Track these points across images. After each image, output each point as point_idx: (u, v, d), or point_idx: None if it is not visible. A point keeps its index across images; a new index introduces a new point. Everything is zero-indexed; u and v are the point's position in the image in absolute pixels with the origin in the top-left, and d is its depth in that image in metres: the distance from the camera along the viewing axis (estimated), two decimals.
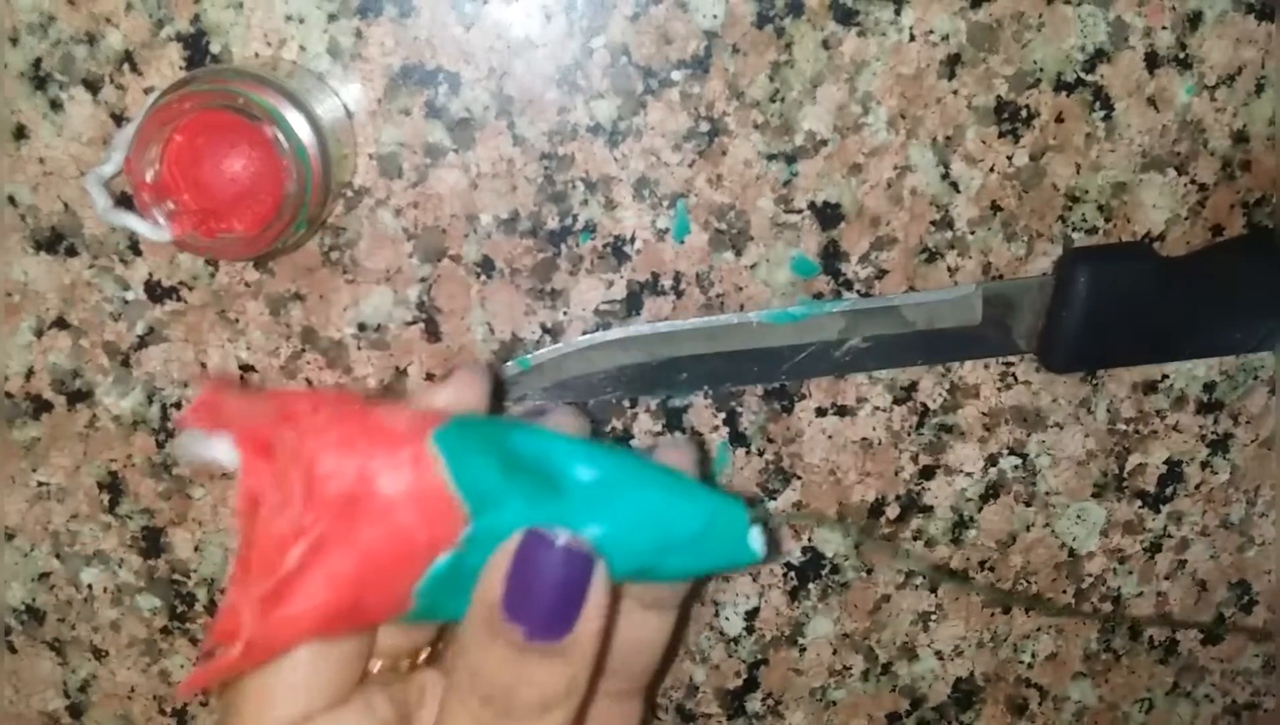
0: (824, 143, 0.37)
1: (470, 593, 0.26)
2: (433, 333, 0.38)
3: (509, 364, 0.38)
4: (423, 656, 0.30)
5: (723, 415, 0.39)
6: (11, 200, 0.36)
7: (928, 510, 0.41)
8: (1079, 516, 0.42)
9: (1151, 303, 0.37)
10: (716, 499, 0.27)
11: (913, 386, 0.40)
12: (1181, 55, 0.37)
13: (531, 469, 0.26)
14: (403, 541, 0.25)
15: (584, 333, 0.38)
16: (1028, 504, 0.42)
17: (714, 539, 0.27)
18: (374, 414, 0.26)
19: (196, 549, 0.40)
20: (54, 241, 0.37)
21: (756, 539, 0.27)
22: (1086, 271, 0.37)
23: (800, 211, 0.37)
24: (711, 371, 0.38)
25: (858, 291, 0.38)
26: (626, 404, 0.39)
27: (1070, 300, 0.37)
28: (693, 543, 0.27)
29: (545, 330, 0.38)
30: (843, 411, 0.40)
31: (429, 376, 0.38)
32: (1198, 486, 0.42)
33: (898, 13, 0.35)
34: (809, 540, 0.41)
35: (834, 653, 0.43)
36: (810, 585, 0.42)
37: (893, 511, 0.41)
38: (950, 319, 0.38)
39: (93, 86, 0.35)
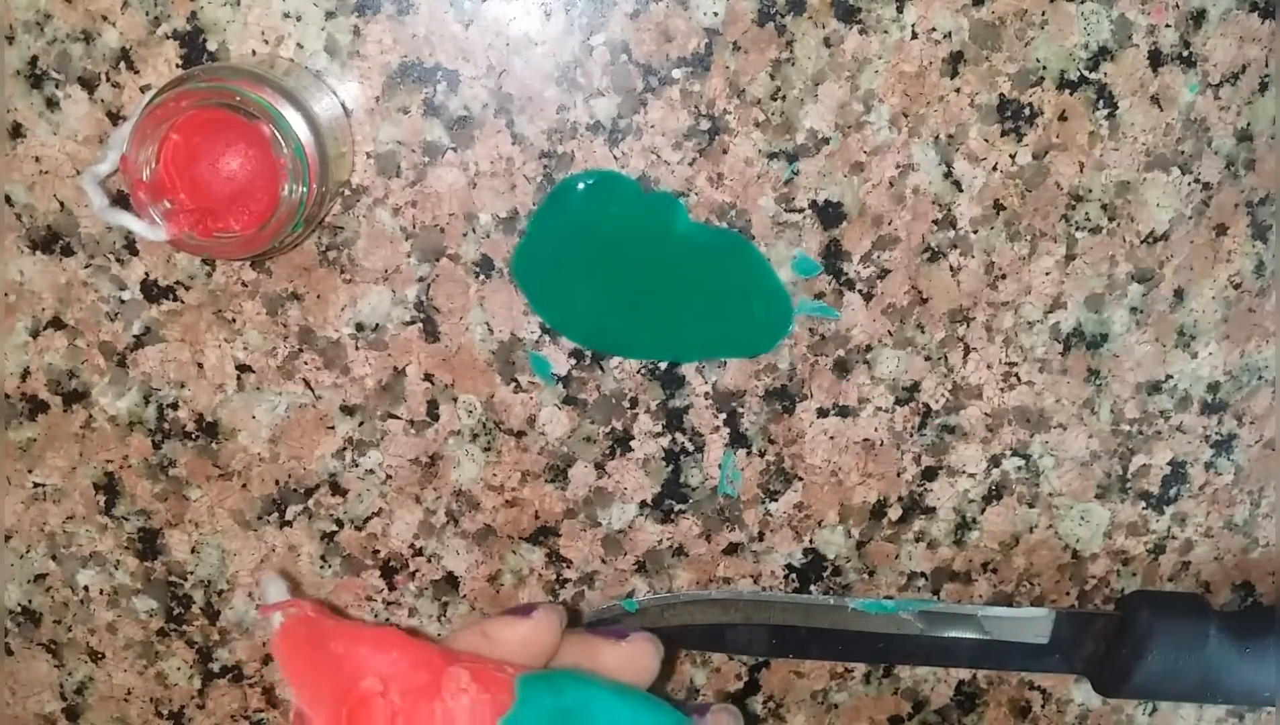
0: (825, 141, 0.36)
1: None
2: (431, 332, 0.38)
3: (614, 603, 0.40)
4: None
5: (723, 416, 0.39)
6: (7, 199, 0.36)
7: (930, 512, 0.41)
8: (1082, 518, 0.42)
9: (1202, 652, 0.40)
10: None
11: (915, 387, 0.39)
12: (1185, 53, 0.37)
13: None
14: None
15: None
16: (1031, 505, 0.41)
17: None
18: (443, 697, 0.27)
19: (193, 551, 0.40)
20: (50, 241, 0.36)
21: None
22: (1150, 618, 0.40)
23: (802, 210, 0.37)
24: (800, 642, 0.41)
25: (860, 292, 0.38)
26: (626, 405, 0.39)
27: (1133, 639, 0.40)
28: None
29: (544, 330, 0.38)
30: (844, 412, 0.40)
31: (429, 375, 0.38)
32: (1201, 487, 0.42)
33: (900, 10, 0.35)
34: (810, 542, 0.41)
35: None
36: (812, 587, 0.42)
37: (895, 513, 0.41)
38: (1021, 635, 0.41)
39: (89, 85, 0.35)
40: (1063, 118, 0.37)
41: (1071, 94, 0.37)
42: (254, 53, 0.34)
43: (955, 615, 0.41)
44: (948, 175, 0.37)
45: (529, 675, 0.29)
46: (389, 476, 0.39)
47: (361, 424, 0.39)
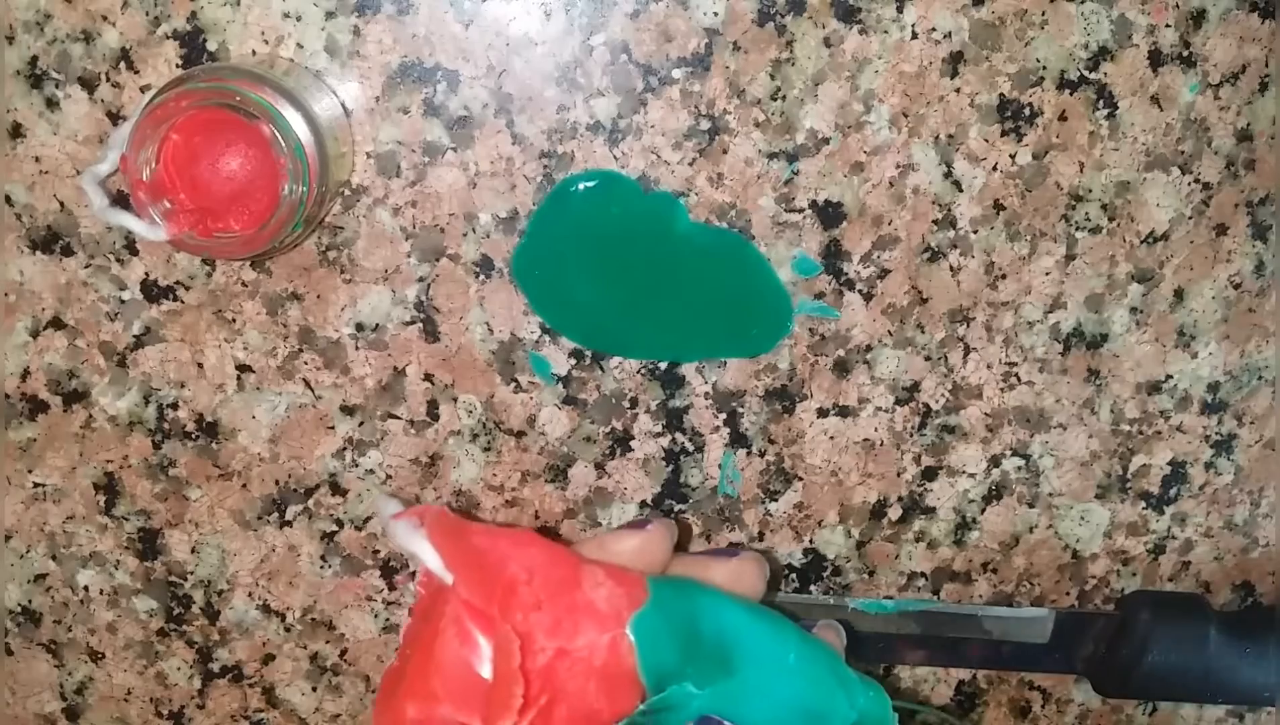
0: (825, 141, 0.36)
1: None
2: (431, 333, 0.38)
3: None
4: None
5: (724, 416, 0.39)
6: (7, 199, 0.36)
7: (930, 512, 0.41)
8: (1082, 518, 0.42)
9: (1202, 652, 0.40)
10: (869, 696, 0.30)
11: (915, 387, 0.39)
12: (1185, 53, 0.37)
13: (709, 649, 0.29)
14: (589, 715, 0.28)
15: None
16: (1031, 505, 0.41)
17: None
18: (583, 588, 0.28)
19: (193, 551, 0.40)
20: (50, 241, 0.36)
21: None
22: (1150, 618, 0.40)
23: (802, 210, 0.37)
24: None
25: (860, 292, 0.38)
26: (626, 405, 0.39)
27: (1133, 639, 0.40)
28: None
29: (544, 330, 0.38)
30: (844, 412, 0.40)
31: (429, 375, 0.38)
32: (1201, 487, 0.42)
33: (900, 10, 0.35)
34: (810, 542, 0.41)
35: None
36: (812, 587, 0.42)
37: (895, 513, 0.41)
38: (1021, 635, 0.41)
39: (89, 85, 0.35)
40: (1063, 118, 0.37)
41: (1071, 94, 0.37)
42: (254, 53, 0.34)
43: (955, 615, 0.41)
44: (948, 175, 0.37)
45: (658, 579, 0.30)
46: (389, 476, 0.39)
47: (361, 424, 0.39)
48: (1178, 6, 0.36)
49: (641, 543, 0.31)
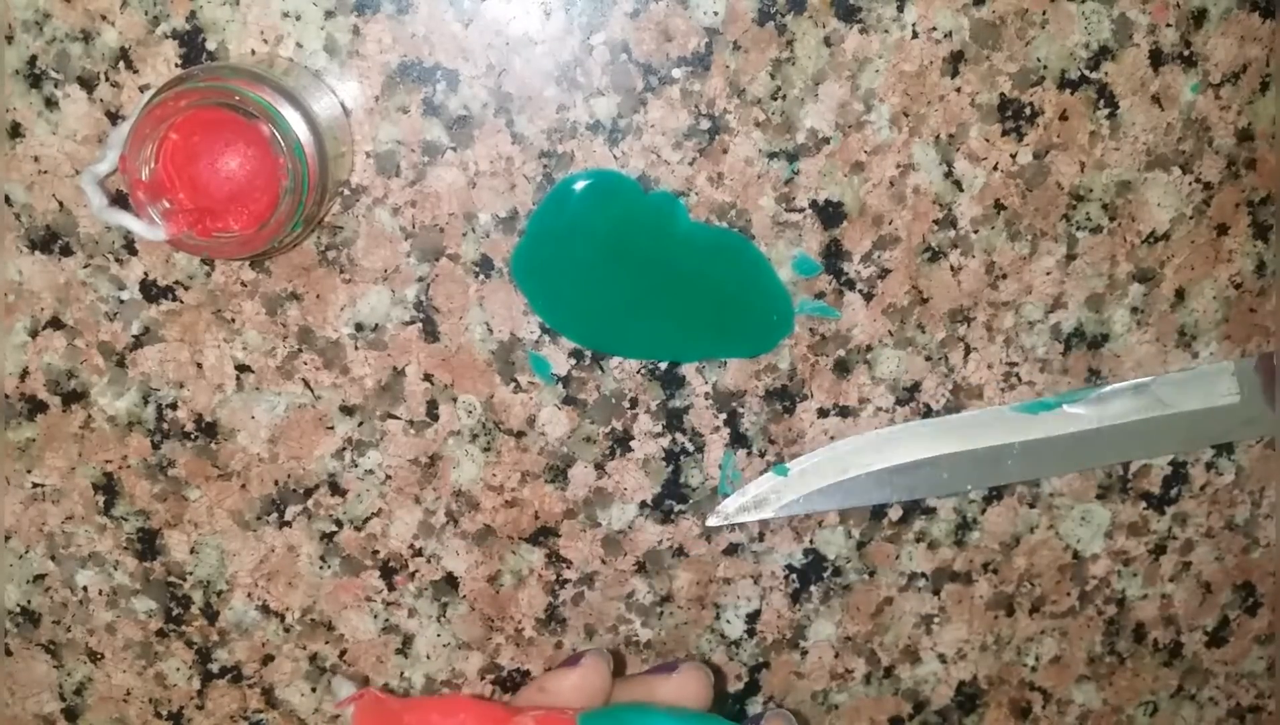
0: (826, 140, 0.36)
1: None
2: (430, 333, 0.38)
3: (767, 475, 0.39)
4: None
5: (723, 416, 0.39)
6: (6, 199, 0.36)
7: (930, 512, 0.41)
8: (1083, 518, 0.42)
9: None
10: None
11: (915, 387, 0.39)
12: (1186, 53, 0.37)
13: None
14: None
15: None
16: (1031, 506, 0.41)
17: None
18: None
19: (192, 551, 0.40)
20: (49, 240, 0.36)
21: None
22: None
23: (802, 210, 0.37)
24: (971, 467, 0.39)
25: (861, 292, 0.38)
26: (626, 405, 0.39)
27: None
28: None
29: (544, 330, 0.38)
30: (845, 412, 0.39)
31: (429, 375, 0.38)
32: (1202, 488, 0.42)
33: (900, 9, 0.35)
34: (810, 542, 0.41)
35: (836, 656, 0.43)
36: (812, 587, 0.42)
37: (895, 513, 0.41)
38: (1206, 400, 0.37)
39: (88, 84, 0.35)
40: (1063, 117, 0.37)
41: (1072, 93, 0.37)
42: (253, 52, 0.34)
43: (1123, 391, 0.38)
44: (948, 175, 0.37)
45: (590, 713, 0.32)
46: (388, 477, 0.39)
47: (361, 424, 0.39)
48: (1178, 6, 0.36)
49: (579, 678, 0.34)
